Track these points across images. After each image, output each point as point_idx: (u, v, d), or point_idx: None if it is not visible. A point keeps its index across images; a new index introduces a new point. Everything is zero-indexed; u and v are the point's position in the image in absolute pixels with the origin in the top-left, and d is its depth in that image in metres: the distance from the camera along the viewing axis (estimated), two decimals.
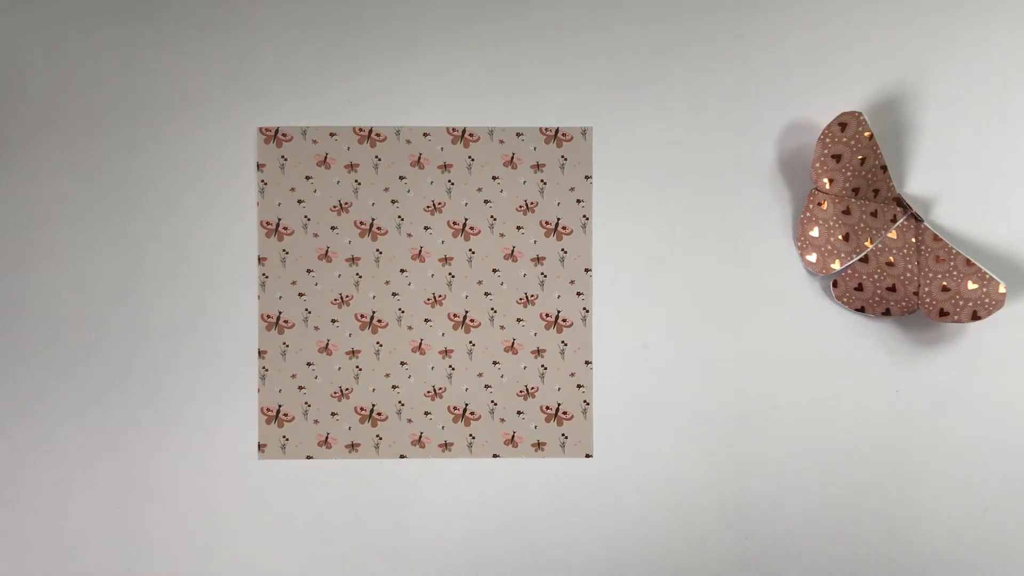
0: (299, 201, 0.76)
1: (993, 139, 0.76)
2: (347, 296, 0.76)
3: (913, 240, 0.75)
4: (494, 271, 0.77)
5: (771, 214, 0.77)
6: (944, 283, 0.73)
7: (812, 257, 0.76)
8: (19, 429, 0.75)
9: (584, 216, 0.77)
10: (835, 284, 0.76)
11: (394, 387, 0.76)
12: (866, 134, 0.72)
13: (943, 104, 0.77)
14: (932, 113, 0.76)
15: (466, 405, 0.77)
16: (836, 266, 0.75)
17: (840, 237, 0.75)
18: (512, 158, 0.77)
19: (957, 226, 0.76)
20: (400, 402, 0.76)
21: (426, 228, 0.76)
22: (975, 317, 0.71)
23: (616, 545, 0.77)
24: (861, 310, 0.76)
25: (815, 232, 0.75)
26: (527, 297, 0.77)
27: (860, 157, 0.73)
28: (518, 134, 0.76)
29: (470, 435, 0.77)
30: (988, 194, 0.76)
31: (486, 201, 0.77)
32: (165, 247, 0.75)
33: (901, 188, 0.76)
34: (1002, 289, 0.71)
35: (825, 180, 0.73)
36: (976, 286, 0.72)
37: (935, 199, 0.76)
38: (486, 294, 0.77)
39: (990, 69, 0.77)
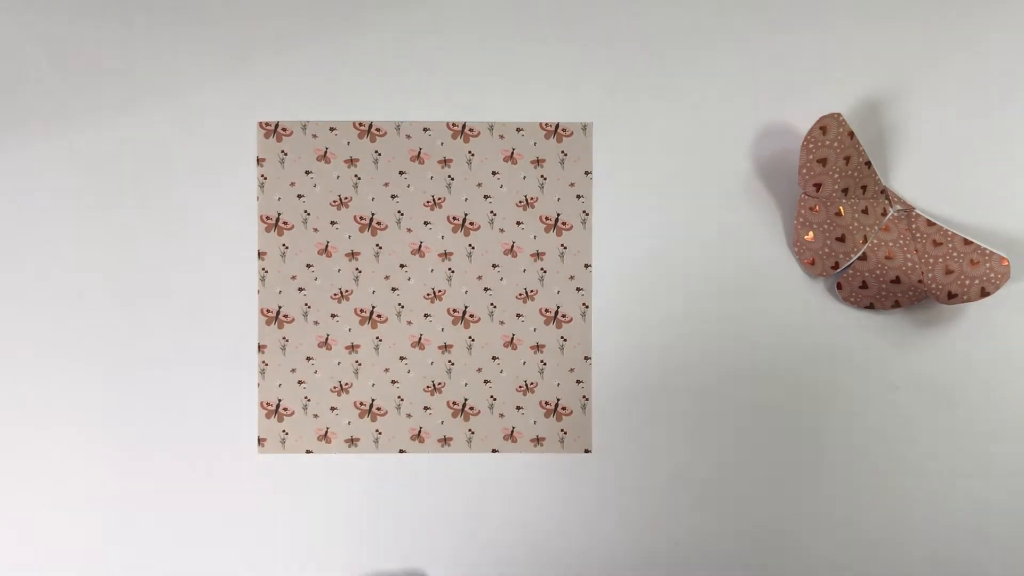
0: (299, 196, 0.76)
1: (976, 132, 0.77)
2: (347, 291, 0.76)
3: (907, 230, 0.75)
4: (494, 266, 0.77)
5: (772, 211, 0.77)
6: (947, 266, 0.73)
7: (810, 261, 0.76)
8: (16, 425, 0.75)
9: (584, 212, 0.77)
10: (839, 286, 0.76)
11: (393, 382, 0.77)
12: (847, 133, 0.72)
13: (923, 101, 0.77)
14: (912, 109, 0.77)
15: (465, 400, 0.77)
16: (836, 268, 0.75)
17: (836, 239, 0.74)
18: (512, 153, 0.77)
19: (945, 215, 0.76)
20: (399, 397, 0.76)
21: (426, 223, 0.77)
22: (984, 294, 0.71)
23: (614, 540, 0.76)
24: (870, 307, 0.76)
25: (810, 236, 0.75)
26: (527, 292, 0.77)
27: (845, 157, 0.73)
28: (518, 129, 0.77)
29: (469, 430, 0.77)
30: (972, 183, 0.76)
31: (486, 196, 0.77)
32: (164, 242, 0.75)
33: (887, 182, 0.76)
34: (1005, 261, 0.71)
35: (813, 185, 0.73)
36: (979, 263, 0.72)
37: (921, 190, 0.76)
38: (486, 289, 0.77)
39: (966, 67, 0.77)
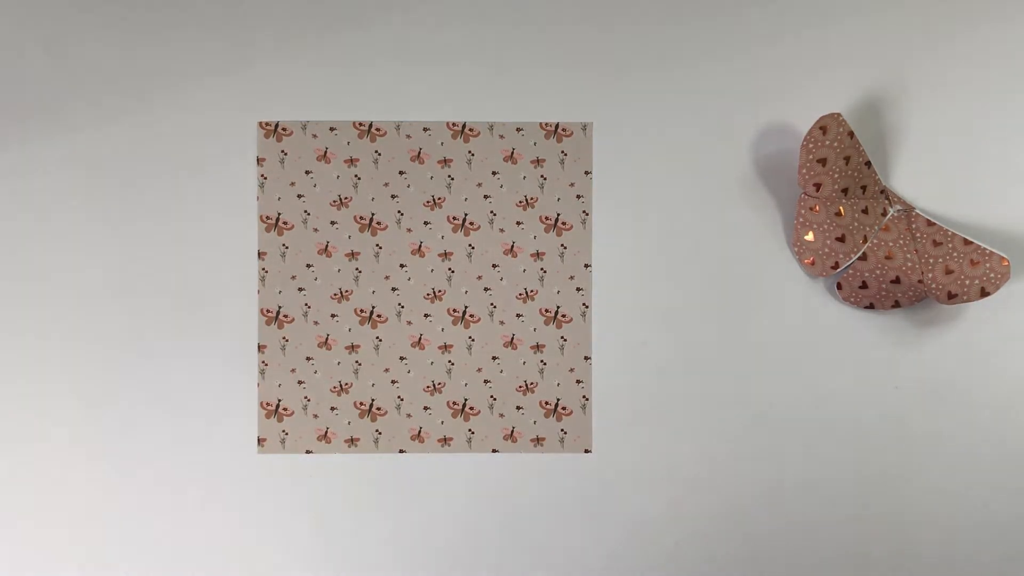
0: (299, 196, 0.76)
1: (976, 132, 0.77)
2: (347, 291, 0.76)
3: (907, 229, 0.75)
4: (494, 266, 0.77)
5: (772, 211, 0.77)
6: (947, 266, 0.73)
7: (811, 261, 0.76)
8: (16, 425, 0.75)
9: (584, 212, 0.77)
10: (839, 286, 0.76)
11: (393, 382, 0.77)
12: (847, 133, 0.72)
13: (923, 101, 0.77)
14: (912, 109, 0.77)
15: (465, 400, 0.77)
16: (836, 268, 0.75)
17: (835, 239, 0.75)
18: (512, 153, 0.77)
19: (945, 215, 0.76)
20: (399, 397, 0.76)
21: (426, 223, 0.77)
22: (984, 294, 0.71)
23: (614, 540, 0.76)
24: (870, 307, 0.76)
25: (810, 236, 0.75)
26: (527, 292, 0.77)
27: (844, 157, 0.73)
28: (518, 129, 0.77)
29: (469, 430, 0.77)
30: (972, 183, 0.76)
31: (486, 196, 0.77)
32: (164, 242, 0.76)
33: (887, 182, 0.76)
34: (1005, 261, 0.71)
35: (813, 185, 0.73)
36: (979, 263, 0.72)
37: (921, 190, 0.76)
38: (486, 289, 0.77)
39: (966, 67, 0.77)
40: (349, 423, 0.76)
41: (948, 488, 0.77)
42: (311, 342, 0.76)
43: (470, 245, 0.77)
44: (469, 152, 0.77)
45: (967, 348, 0.76)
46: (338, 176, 0.76)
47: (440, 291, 0.77)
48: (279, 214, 0.76)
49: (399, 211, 0.77)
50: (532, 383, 0.77)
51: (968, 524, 0.77)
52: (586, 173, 0.77)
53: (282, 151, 0.76)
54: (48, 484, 0.75)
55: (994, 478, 0.76)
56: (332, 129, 0.76)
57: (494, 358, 0.77)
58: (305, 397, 0.76)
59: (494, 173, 0.77)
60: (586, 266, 0.77)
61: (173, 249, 0.76)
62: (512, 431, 0.77)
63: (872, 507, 0.77)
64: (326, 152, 0.76)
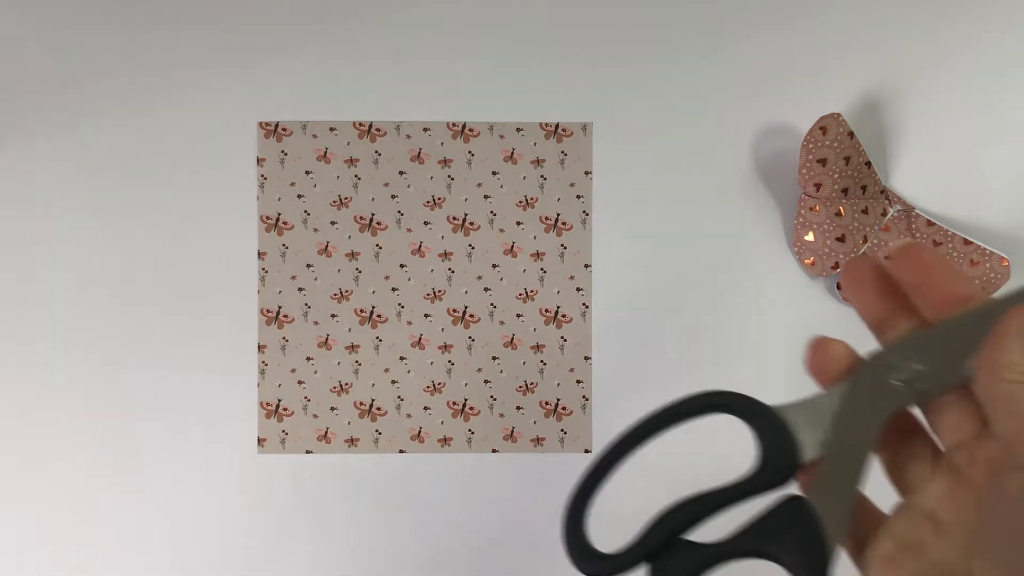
0: (299, 196, 0.76)
1: (976, 132, 0.77)
2: (347, 291, 0.76)
3: (907, 229, 0.75)
4: (494, 267, 0.77)
5: (772, 211, 0.77)
6: None
7: (811, 261, 0.76)
8: (14, 425, 0.75)
9: (584, 212, 0.77)
10: (839, 286, 0.76)
11: (393, 382, 0.77)
12: (847, 133, 0.72)
13: (923, 101, 0.77)
14: (912, 109, 0.77)
15: (465, 400, 0.77)
16: (836, 268, 0.75)
17: (836, 239, 0.75)
18: (512, 153, 0.77)
19: (945, 215, 0.76)
20: (399, 397, 0.76)
21: (426, 223, 0.77)
22: None
23: (614, 540, 0.76)
24: None
25: (810, 236, 0.75)
26: (527, 292, 0.77)
27: (844, 157, 0.73)
28: (518, 129, 0.77)
29: (469, 430, 0.77)
30: (972, 183, 0.76)
31: (486, 196, 0.77)
32: (164, 242, 0.76)
33: (887, 182, 0.76)
34: (1005, 261, 0.71)
35: (814, 185, 0.73)
36: (979, 263, 0.72)
37: (921, 190, 0.76)
38: (486, 289, 0.77)
39: (966, 67, 0.77)
40: (349, 423, 0.76)
41: None
42: (311, 342, 0.76)
43: (470, 245, 0.77)
44: (469, 152, 0.77)
45: None
46: (338, 176, 0.76)
47: (440, 291, 0.77)
48: (279, 214, 0.76)
49: (399, 211, 0.77)
50: (532, 383, 0.77)
51: None
52: (586, 173, 0.77)
53: (282, 151, 0.76)
54: (47, 484, 0.75)
55: None
56: (332, 129, 0.76)
57: (494, 358, 0.77)
58: (305, 397, 0.76)
59: (494, 173, 0.77)
60: (586, 266, 0.77)
61: (173, 249, 0.76)
62: (512, 431, 0.77)
63: None
64: (326, 152, 0.76)
